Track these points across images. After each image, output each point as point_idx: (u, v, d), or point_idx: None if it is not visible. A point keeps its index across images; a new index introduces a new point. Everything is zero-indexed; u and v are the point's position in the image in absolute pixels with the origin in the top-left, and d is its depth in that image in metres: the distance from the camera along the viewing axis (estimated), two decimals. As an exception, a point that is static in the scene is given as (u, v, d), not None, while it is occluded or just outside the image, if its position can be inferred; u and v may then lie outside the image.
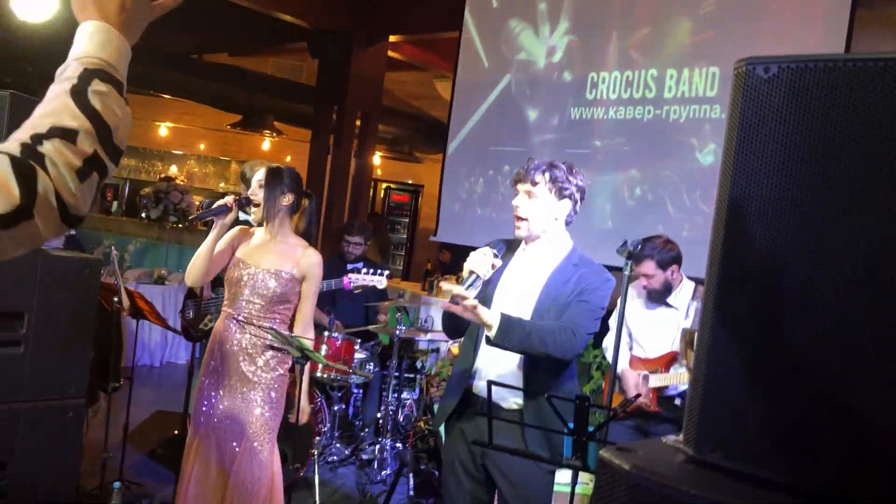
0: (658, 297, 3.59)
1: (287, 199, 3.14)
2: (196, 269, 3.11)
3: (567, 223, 2.68)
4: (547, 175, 2.58)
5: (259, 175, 3.18)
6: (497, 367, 2.62)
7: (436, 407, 5.44)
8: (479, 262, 2.53)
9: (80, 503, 3.83)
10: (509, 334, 2.44)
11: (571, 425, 1.83)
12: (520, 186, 2.63)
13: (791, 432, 1.22)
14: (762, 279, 1.25)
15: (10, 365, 3.38)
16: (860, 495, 1.16)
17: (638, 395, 3.25)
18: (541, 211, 2.60)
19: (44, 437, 3.52)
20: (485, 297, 2.68)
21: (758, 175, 1.26)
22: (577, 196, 2.62)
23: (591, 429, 1.80)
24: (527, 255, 2.72)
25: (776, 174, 1.24)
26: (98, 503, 3.76)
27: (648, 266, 3.51)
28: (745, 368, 1.25)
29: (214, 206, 3.12)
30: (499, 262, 2.59)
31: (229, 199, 3.12)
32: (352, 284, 4.44)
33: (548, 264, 2.65)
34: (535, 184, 2.58)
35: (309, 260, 3.12)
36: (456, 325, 2.80)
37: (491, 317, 2.45)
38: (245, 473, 3.03)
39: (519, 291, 2.67)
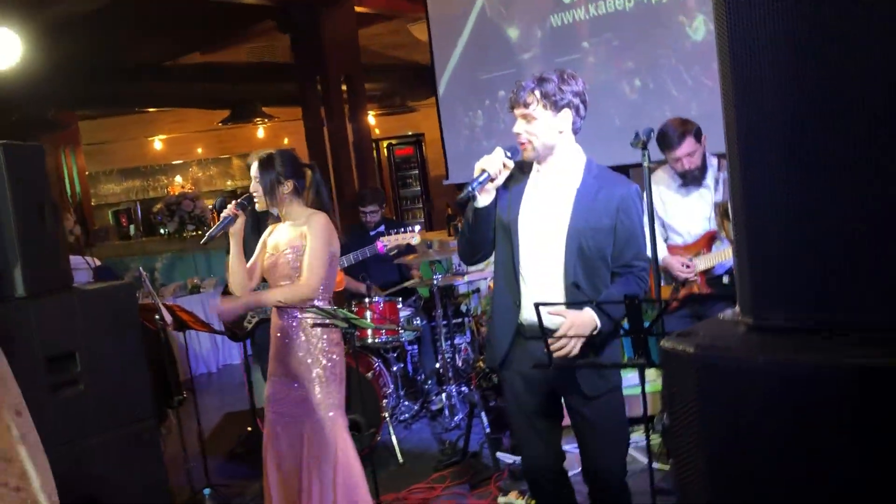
0: (698, 176, 3.49)
1: (287, 187, 3.10)
2: (237, 281, 3.14)
3: (575, 132, 2.61)
4: (537, 92, 2.51)
5: (253, 170, 3.16)
6: (541, 293, 2.59)
7: (489, 344, 5.48)
8: (491, 160, 2.52)
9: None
10: (613, 317, 2.43)
11: (627, 326, 1.83)
12: (516, 111, 2.58)
13: (844, 275, 1.20)
14: (782, 128, 1.22)
15: (74, 404, 3.45)
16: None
17: (685, 281, 3.23)
18: (542, 129, 2.53)
19: (126, 464, 3.61)
20: (508, 226, 2.65)
21: (756, 39, 1.22)
22: (577, 102, 2.55)
23: (646, 324, 1.80)
24: (543, 176, 2.65)
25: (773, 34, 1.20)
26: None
27: (689, 144, 3.39)
28: (786, 221, 1.22)
29: (221, 216, 3.12)
30: (511, 164, 2.55)
31: (231, 208, 3.10)
32: (386, 248, 4.44)
33: (568, 182, 2.60)
34: (527, 105, 2.52)
35: (309, 224, 3.07)
36: (474, 248, 2.74)
37: (592, 321, 2.43)
38: (317, 450, 3.09)
39: (545, 216, 2.61)
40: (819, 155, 1.18)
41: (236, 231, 3.11)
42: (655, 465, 3.55)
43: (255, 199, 3.13)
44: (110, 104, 10.39)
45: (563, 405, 2.75)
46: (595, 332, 2.44)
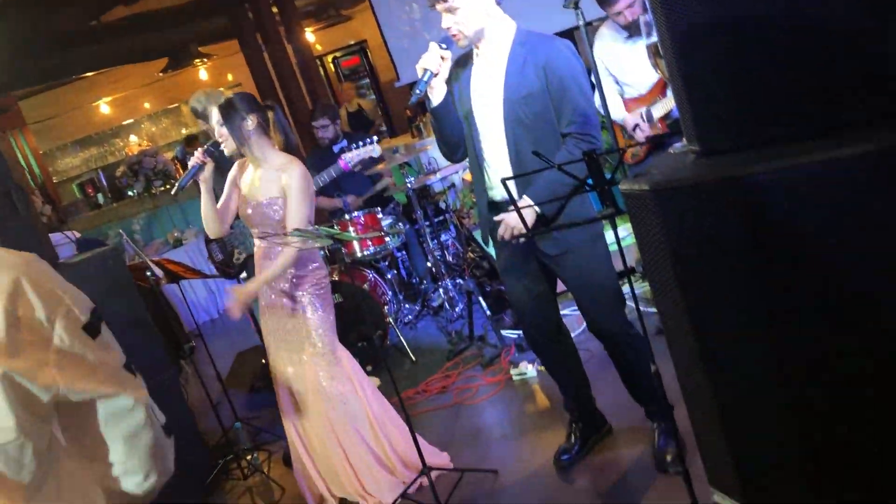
0: (636, 30, 3.51)
1: (251, 123, 3.11)
2: (211, 225, 3.22)
3: (498, 3, 2.63)
4: None
5: (215, 116, 3.17)
6: (500, 170, 2.69)
7: (475, 234, 5.60)
8: (428, 58, 2.58)
9: (215, 456, 4.14)
10: (544, 196, 2.51)
11: (591, 181, 1.92)
12: (438, 7, 2.59)
13: (776, 88, 1.28)
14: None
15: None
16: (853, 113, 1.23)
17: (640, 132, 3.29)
18: (467, 16, 2.57)
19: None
20: (466, 116, 2.74)
21: None
22: None
23: (608, 176, 1.88)
24: (481, 58, 2.71)
25: None
26: (230, 450, 4.04)
27: (622, 2, 3.40)
28: (711, 48, 1.29)
29: (189, 166, 3.15)
30: (448, 55, 2.60)
31: (198, 156, 3.12)
32: (350, 164, 4.48)
33: (500, 57, 2.64)
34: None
35: (289, 178, 3.08)
36: (450, 145, 2.83)
37: (528, 209, 2.52)
38: (319, 369, 3.21)
39: (484, 96, 2.68)
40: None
41: (206, 178, 3.15)
42: (651, 309, 3.74)
43: (223, 144, 3.15)
44: (45, 77, 10.10)
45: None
46: (540, 214, 2.56)
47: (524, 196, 2.58)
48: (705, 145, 1.37)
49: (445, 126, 2.76)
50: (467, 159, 2.88)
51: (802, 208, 1.23)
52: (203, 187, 3.15)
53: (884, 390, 1.22)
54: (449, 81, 2.74)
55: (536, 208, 2.56)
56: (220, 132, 3.14)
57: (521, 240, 2.61)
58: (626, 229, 3.76)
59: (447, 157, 2.92)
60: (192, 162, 3.16)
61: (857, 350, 1.24)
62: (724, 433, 1.42)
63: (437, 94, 2.67)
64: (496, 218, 2.68)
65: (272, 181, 3.11)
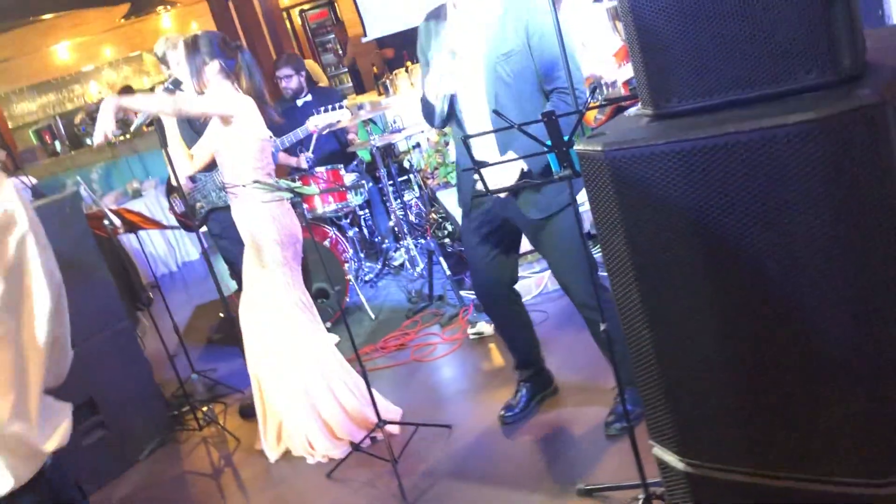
0: None
1: (213, 68, 3.07)
2: (180, 159, 3.20)
3: None
4: None
5: (177, 54, 3.11)
6: (476, 128, 2.68)
7: (438, 194, 5.61)
8: (438, 84, 2.63)
9: (170, 406, 4.15)
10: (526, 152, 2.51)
11: (549, 143, 1.94)
12: None
13: (727, 54, 1.31)
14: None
15: (46, 319, 3.54)
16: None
17: (594, 88, 3.32)
18: None
19: (111, 367, 3.76)
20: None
21: None
22: None
23: (566, 138, 1.91)
24: (458, 9, 2.67)
25: None
26: (186, 399, 4.05)
27: None
28: (666, 15, 1.31)
29: (140, 120, 3.10)
30: (448, 74, 2.62)
31: (159, 92, 3.08)
32: (318, 128, 4.45)
33: (480, 13, 2.62)
34: None
35: (231, 104, 3.05)
36: (431, 113, 2.83)
37: (515, 164, 2.53)
38: (280, 302, 3.24)
39: (464, 55, 2.65)
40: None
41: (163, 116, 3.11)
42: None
43: (182, 84, 3.10)
44: (1, 17, 9.77)
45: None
46: (526, 171, 2.58)
47: (508, 152, 2.59)
48: (658, 108, 1.40)
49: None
50: None
51: (745, 175, 1.27)
52: (165, 123, 3.11)
53: (802, 359, 1.28)
54: (425, 33, 2.73)
55: (524, 164, 2.57)
56: (180, 71, 3.09)
57: (503, 195, 2.61)
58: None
59: (430, 123, 2.89)
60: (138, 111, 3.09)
61: (788, 313, 1.30)
62: (664, 388, 1.48)
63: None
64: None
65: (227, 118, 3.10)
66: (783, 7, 1.20)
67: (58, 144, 9.95)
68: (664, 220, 1.41)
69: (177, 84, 3.10)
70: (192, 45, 3.07)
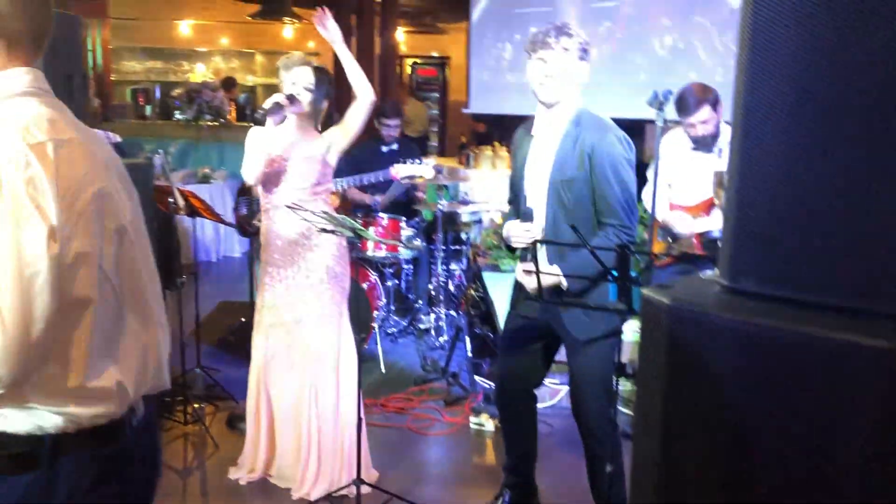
0: (710, 142, 3.59)
1: (326, 102, 3.39)
2: (256, 169, 3.27)
3: (584, 84, 2.68)
4: (558, 37, 2.57)
5: (307, 77, 3.22)
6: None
7: (484, 274, 5.63)
8: (521, 237, 2.69)
9: (166, 392, 4.15)
10: (574, 271, 2.57)
11: (615, 273, 1.96)
12: (535, 55, 2.62)
13: (821, 254, 1.32)
14: (787, 110, 1.32)
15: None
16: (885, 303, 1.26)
17: (680, 238, 3.34)
18: (560, 74, 2.59)
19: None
20: (519, 180, 2.81)
21: (782, 14, 1.31)
22: (587, 57, 2.63)
23: (634, 274, 1.92)
24: (544, 125, 2.73)
25: (802, 13, 1.29)
26: (183, 390, 4.06)
27: (705, 111, 3.48)
28: (774, 196, 1.33)
29: (268, 106, 3.16)
30: (536, 229, 2.67)
31: (283, 98, 3.15)
32: (399, 177, 4.55)
33: (558, 133, 2.68)
34: (547, 47, 2.58)
35: (329, 132, 3.31)
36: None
37: (555, 275, 2.59)
38: (317, 341, 3.25)
39: (534, 169, 2.73)
40: (816, 141, 1.29)
41: (279, 120, 3.22)
42: (624, 409, 3.75)
43: (298, 102, 3.19)
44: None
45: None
46: (566, 289, 2.60)
47: (554, 265, 2.63)
48: (736, 283, 1.41)
49: None
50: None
51: (801, 377, 1.26)
52: (270, 132, 3.21)
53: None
54: (516, 144, 2.85)
55: (563, 282, 2.60)
56: (301, 91, 3.21)
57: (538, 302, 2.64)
58: (628, 327, 3.79)
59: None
60: (277, 98, 3.17)
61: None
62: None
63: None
64: (519, 265, 2.74)
65: (315, 142, 3.28)
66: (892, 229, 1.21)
67: (148, 109, 10.27)
68: (708, 393, 1.40)
69: (293, 99, 3.20)
70: (324, 77, 3.37)
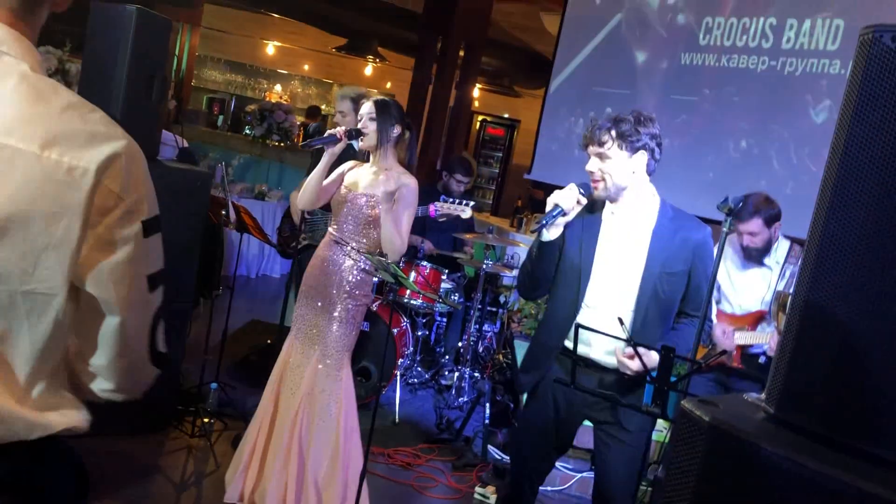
0: (757, 255, 3.52)
1: (396, 131, 3.27)
2: (308, 194, 3.29)
3: (649, 173, 2.61)
4: (613, 132, 2.52)
5: (368, 108, 3.26)
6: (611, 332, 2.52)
7: (516, 342, 5.55)
8: (565, 195, 2.53)
9: (180, 399, 4.13)
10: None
11: (654, 374, 1.88)
12: (590, 149, 2.58)
13: (880, 404, 1.24)
14: (865, 248, 1.25)
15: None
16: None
17: (724, 352, 3.24)
18: (615, 169, 2.54)
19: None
20: (580, 267, 2.63)
21: (873, 149, 1.25)
22: (652, 145, 2.55)
23: (672, 379, 1.84)
24: (617, 217, 2.65)
25: (892, 149, 1.23)
26: (196, 401, 4.03)
27: (755, 224, 3.42)
28: (839, 338, 1.26)
29: (325, 135, 3.23)
30: (584, 200, 2.57)
31: (340, 131, 3.22)
32: (437, 212, 4.53)
33: (644, 223, 2.61)
34: (602, 143, 2.53)
35: (404, 181, 3.22)
36: (535, 283, 2.74)
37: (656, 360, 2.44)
38: (317, 382, 3.20)
39: (620, 259, 2.61)
40: (890, 287, 1.22)
41: (334, 152, 3.24)
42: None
43: (364, 136, 3.23)
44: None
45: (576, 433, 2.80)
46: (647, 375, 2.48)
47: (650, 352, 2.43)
48: (783, 414, 1.33)
49: (543, 263, 2.67)
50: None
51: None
52: (326, 158, 3.24)
53: None
54: (568, 226, 2.66)
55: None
56: (367, 125, 3.23)
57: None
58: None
59: (523, 291, 2.84)
60: (332, 131, 3.24)
61: None
62: None
63: (554, 231, 2.61)
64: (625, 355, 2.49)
65: (388, 182, 3.21)
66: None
67: (220, 119, 10.50)
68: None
69: (358, 134, 3.23)
70: (387, 106, 3.26)
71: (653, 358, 2.31)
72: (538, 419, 2.76)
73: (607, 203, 2.65)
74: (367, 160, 3.34)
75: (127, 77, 3.50)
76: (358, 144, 3.27)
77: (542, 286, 2.74)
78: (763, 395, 1.45)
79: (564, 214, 2.55)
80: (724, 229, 2.51)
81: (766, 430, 1.33)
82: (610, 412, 2.60)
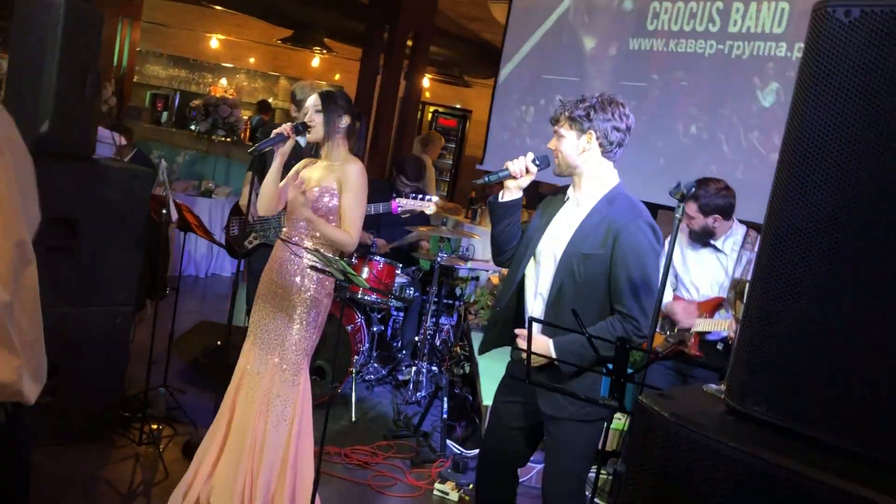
0: (698, 238, 3.54)
1: (344, 122, 3.17)
2: (266, 199, 3.18)
3: (609, 158, 2.60)
4: (566, 112, 2.59)
5: (313, 100, 3.16)
6: (532, 308, 2.65)
7: (472, 334, 5.49)
8: (516, 162, 2.63)
9: (125, 406, 3.98)
10: (567, 352, 2.47)
11: (610, 366, 1.83)
12: (554, 127, 2.66)
13: (844, 395, 1.20)
14: (822, 235, 1.21)
15: (61, 271, 3.48)
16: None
17: (681, 342, 3.23)
18: (565, 147, 2.59)
19: (92, 342, 3.65)
20: (528, 245, 2.70)
21: (829, 128, 1.20)
22: (606, 128, 2.54)
23: (629, 371, 1.80)
24: (571, 201, 2.69)
25: (850, 127, 1.18)
26: (143, 407, 3.89)
27: (690, 207, 3.44)
28: (798, 327, 1.21)
29: (272, 134, 3.12)
30: (534, 169, 2.63)
31: (286, 128, 3.12)
32: (400, 209, 4.43)
33: (584, 207, 2.62)
34: (557, 122, 2.62)
35: (346, 168, 3.12)
36: (495, 247, 2.82)
37: (546, 348, 2.50)
38: (278, 388, 3.11)
39: (552, 237, 2.65)
40: (855, 270, 1.17)
41: (284, 152, 3.13)
42: (598, 501, 3.58)
43: (310, 129, 3.13)
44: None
45: None
46: (555, 366, 2.49)
47: (551, 341, 2.51)
48: (742, 406, 1.28)
49: (496, 226, 2.77)
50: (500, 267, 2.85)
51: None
52: (277, 160, 3.13)
53: None
54: (542, 207, 2.77)
55: (552, 350, 2.50)
56: (313, 118, 3.13)
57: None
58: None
59: (493, 256, 2.89)
60: (278, 130, 3.13)
61: None
62: None
63: (506, 195, 2.71)
64: (517, 331, 2.63)
65: (330, 172, 3.14)
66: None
67: (164, 115, 10.23)
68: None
69: (304, 127, 3.13)
70: (332, 97, 3.15)
71: (539, 343, 2.44)
72: (504, 405, 2.79)
73: (570, 189, 2.70)
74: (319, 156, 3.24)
75: (58, 72, 3.34)
76: (304, 140, 3.16)
77: (503, 251, 2.81)
78: (723, 386, 1.41)
79: (513, 177, 2.64)
80: (677, 216, 2.47)
81: (726, 424, 1.28)
82: (541, 400, 2.61)
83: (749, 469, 1.20)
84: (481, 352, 2.85)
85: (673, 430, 1.28)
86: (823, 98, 1.22)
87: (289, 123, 3.17)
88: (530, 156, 2.65)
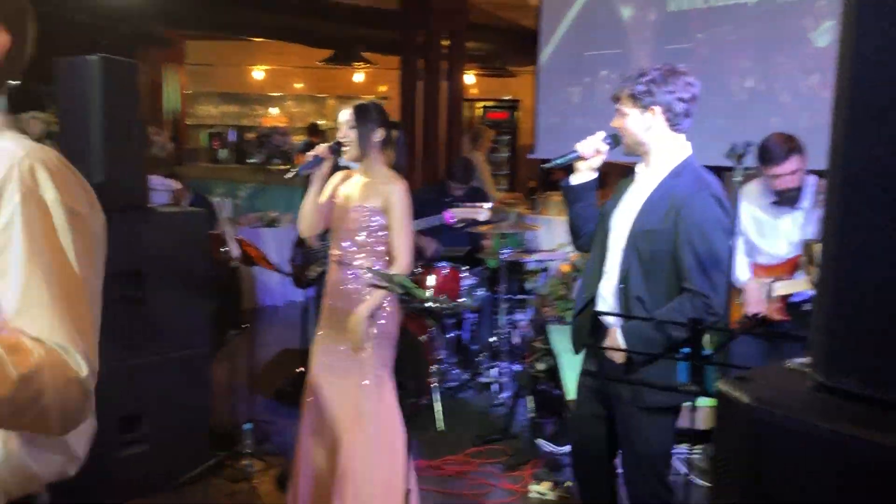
0: (792, 198, 3.30)
1: (378, 135, 3.11)
2: (306, 221, 3.20)
3: (677, 130, 2.49)
4: (626, 89, 2.50)
5: (346, 116, 3.13)
6: (606, 292, 2.56)
7: (549, 327, 5.38)
8: (586, 142, 2.58)
9: (215, 446, 4.02)
10: (636, 340, 2.37)
11: (686, 350, 1.72)
12: (617, 105, 2.57)
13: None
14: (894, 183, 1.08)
15: (133, 322, 3.53)
16: None
17: (756, 315, 3.06)
18: (630, 125, 2.51)
19: (173, 389, 3.69)
20: (605, 229, 2.63)
21: (885, 54, 1.08)
22: (670, 100, 2.44)
23: (707, 352, 1.68)
24: (640, 178, 2.60)
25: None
26: (231, 444, 3.92)
27: (793, 161, 3.20)
28: (884, 279, 1.08)
29: (309, 156, 3.12)
30: (605, 148, 2.58)
31: (322, 149, 3.10)
32: (454, 219, 4.37)
33: (652, 183, 2.52)
34: (618, 100, 2.54)
35: (389, 189, 3.07)
36: (573, 231, 2.79)
37: (615, 339, 2.43)
38: (364, 405, 3.08)
39: (621, 216, 2.58)
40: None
41: (323, 174, 3.12)
42: (697, 479, 3.43)
43: (345, 147, 3.10)
44: (216, 27, 10.48)
45: None
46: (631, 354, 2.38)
47: (619, 328, 2.41)
48: (831, 381, 1.16)
49: (570, 209, 2.74)
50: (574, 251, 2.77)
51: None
52: (315, 182, 3.13)
53: None
54: (618, 188, 2.70)
55: (621, 342, 2.41)
56: (347, 134, 3.10)
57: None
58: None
59: (572, 240, 2.87)
60: (314, 152, 3.13)
61: None
62: None
63: (578, 177, 2.67)
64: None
65: (376, 192, 3.09)
66: None
67: (222, 153, 10.44)
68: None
69: (339, 146, 3.11)
70: (363, 111, 3.11)
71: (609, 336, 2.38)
72: (585, 396, 2.71)
73: (640, 165, 2.62)
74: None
75: (102, 127, 3.40)
76: (343, 160, 3.14)
77: (580, 235, 2.77)
78: (807, 360, 1.28)
79: (582, 158, 2.60)
80: (736, 178, 2.33)
81: (815, 403, 1.16)
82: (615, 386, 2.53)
83: (845, 452, 1.08)
84: (577, 350, 2.76)
85: (755, 416, 1.16)
86: (874, 29, 1.09)
87: (325, 144, 3.15)
88: (601, 135, 2.60)
